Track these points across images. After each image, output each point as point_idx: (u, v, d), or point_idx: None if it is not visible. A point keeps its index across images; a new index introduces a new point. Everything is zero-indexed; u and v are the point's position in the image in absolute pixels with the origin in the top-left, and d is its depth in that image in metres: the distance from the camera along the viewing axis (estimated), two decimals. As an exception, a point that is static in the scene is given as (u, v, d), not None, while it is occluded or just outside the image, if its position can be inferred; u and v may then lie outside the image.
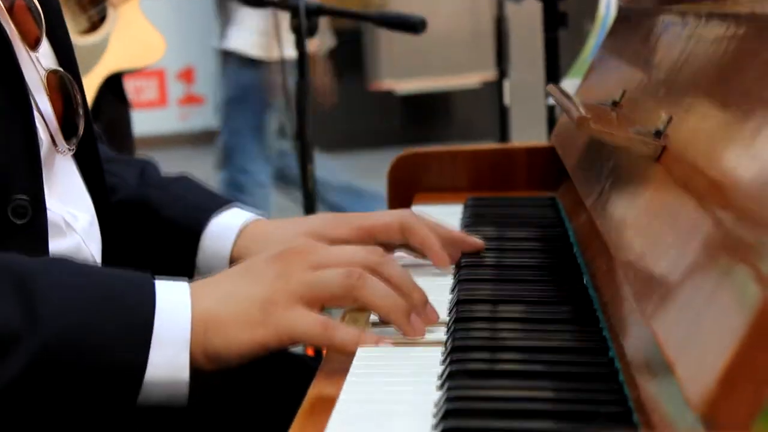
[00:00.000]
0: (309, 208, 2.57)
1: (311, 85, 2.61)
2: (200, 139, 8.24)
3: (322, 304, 0.94)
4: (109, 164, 1.28)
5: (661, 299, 0.77)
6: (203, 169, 3.74)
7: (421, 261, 1.20)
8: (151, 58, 3.27)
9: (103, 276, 0.94)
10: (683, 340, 0.69)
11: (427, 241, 1.17)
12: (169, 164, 1.57)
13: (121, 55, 3.11)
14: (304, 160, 2.58)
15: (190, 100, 8.37)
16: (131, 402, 0.89)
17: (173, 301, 0.91)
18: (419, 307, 0.99)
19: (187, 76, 8.30)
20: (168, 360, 0.90)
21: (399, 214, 1.20)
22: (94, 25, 3.09)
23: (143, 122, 3.46)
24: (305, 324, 0.92)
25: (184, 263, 1.23)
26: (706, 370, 0.62)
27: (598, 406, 0.80)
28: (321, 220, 1.23)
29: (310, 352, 2.78)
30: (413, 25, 2.47)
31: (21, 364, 0.85)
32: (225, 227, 1.23)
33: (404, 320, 0.97)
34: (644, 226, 0.92)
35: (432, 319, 0.99)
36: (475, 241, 1.22)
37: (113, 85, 3.12)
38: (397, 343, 0.96)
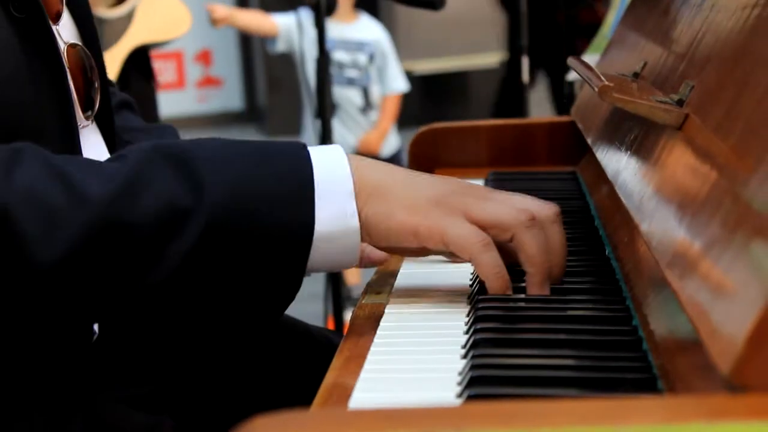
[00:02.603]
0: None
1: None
2: (218, 120, 8.25)
3: (483, 225, 0.94)
4: (133, 133, 1.28)
5: (685, 264, 0.77)
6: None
7: None
8: (176, 32, 3.24)
9: (252, 144, 0.94)
10: (708, 303, 0.69)
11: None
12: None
13: (147, 28, 3.09)
14: (325, 138, 2.58)
15: (208, 82, 8.37)
16: (302, 262, 0.90)
17: (327, 159, 0.93)
18: (556, 277, 0.98)
19: (204, 58, 8.30)
20: (334, 212, 0.91)
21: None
22: None
23: (162, 104, 3.46)
24: (462, 231, 0.93)
25: None
26: (732, 332, 0.62)
27: (622, 373, 0.80)
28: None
29: (330, 326, 2.78)
30: (432, 2, 2.46)
31: (195, 235, 0.87)
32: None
33: (540, 281, 0.96)
34: (667, 195, 0.92)
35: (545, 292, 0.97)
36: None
37: (139, 62, 3.11)
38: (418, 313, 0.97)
